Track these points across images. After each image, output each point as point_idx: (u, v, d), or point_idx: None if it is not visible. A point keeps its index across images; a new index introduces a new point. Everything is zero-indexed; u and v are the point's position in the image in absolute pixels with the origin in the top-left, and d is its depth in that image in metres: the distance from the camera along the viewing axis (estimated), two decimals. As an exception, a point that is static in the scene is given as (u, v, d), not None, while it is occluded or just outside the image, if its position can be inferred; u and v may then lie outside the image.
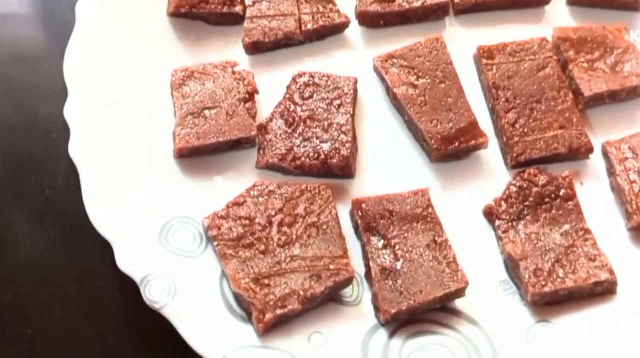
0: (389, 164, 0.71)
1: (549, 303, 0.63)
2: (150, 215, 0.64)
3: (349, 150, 0.69)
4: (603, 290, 0.63)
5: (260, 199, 0.66)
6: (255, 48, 0.76)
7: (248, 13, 0.76)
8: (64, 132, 0.68)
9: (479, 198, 0.69)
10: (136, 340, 0.65)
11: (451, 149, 0.69)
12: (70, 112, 0.68)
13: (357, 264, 0.65)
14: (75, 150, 0.66)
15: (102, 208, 0.63)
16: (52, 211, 0.71)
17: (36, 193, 0.72)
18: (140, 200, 0.65)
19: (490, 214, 0.68)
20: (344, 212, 0.67)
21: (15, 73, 0.80)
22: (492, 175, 0.71)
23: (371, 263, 0.63)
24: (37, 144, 0.75)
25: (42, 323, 0.65)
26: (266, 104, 0.73)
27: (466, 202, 0.69)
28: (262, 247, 0.63)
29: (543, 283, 0.63)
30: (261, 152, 0.70)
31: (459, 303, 0.63)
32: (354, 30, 0.78)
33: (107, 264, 0.65)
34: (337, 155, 0.68)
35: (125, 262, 0.61)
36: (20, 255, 0.69)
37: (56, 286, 0.67)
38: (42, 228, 0.70)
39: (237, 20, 0.77)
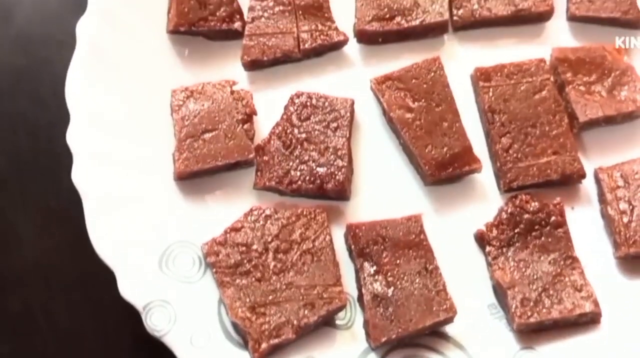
0: (384, 185, 0.73)
1: (534, 330, 0.66)
2: (151, 241, 0.67)
3: (344, 175, 0.70)
4: (587, 320, 0.66)
5: (257, 224, 0.68)
6: (253, 65, 0.76)
7: (247, 30, 0.76)
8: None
9: (472, 221, 0.71)
10: (140, 344, 0.67)
11: (445, 174, 0.71)
12: (73, 138, 0.69)
13: (351, 286, 0.67)
14: (79, 177, 0.67)
15: (105, 237, 0.66)
16: (57, 217, 0.74)
17: (41, 199, 0.75)
18: (141, 226, 0.67)
19: (481, 239, 0.70)
20: (338, 234, 0.70)
21: (22, 75, 0.81)
22: (485, 198, 0.72)
23: (363, 290, 0.66)
24: (43, 150, 0.77)
25: (48, 325, 0.69)
26: (264, 120, 0.74)
27: (458, 225, 0.71)
28: (258, 274, 0.66)
29: (529, 313, 0.65)
30: (259, 173, 0.71)
31: (447, 327, 0.66)
32: (352, 47, 0.78)
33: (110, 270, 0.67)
34: (332, 179, 0.70)
35: (128, 291, 0.64)
36: (27, 259, 0.72)
37: (62, 290, 0.71)
38: (47, 233, 0.73)
39: (236, 35, 0.77)
